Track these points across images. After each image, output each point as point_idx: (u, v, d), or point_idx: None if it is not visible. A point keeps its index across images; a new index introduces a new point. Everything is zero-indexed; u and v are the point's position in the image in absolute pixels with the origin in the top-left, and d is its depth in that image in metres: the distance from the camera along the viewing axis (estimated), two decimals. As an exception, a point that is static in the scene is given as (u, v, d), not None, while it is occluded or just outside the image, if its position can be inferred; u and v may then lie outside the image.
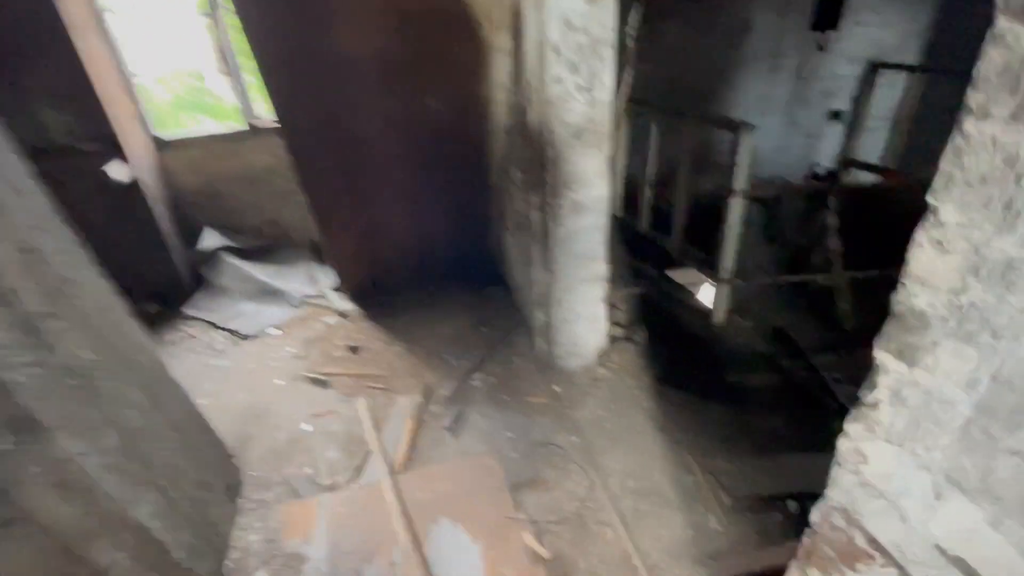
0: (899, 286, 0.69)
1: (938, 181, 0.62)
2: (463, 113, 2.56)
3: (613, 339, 3.01)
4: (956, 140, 0.59)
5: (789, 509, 2.04)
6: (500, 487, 2.17)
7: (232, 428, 2.62)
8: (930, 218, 0.66)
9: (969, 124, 0.57)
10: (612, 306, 3.33)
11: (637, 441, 2.38)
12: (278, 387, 2.89)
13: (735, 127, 2.57)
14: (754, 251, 3.27)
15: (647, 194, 3.63)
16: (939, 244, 0.63)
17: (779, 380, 2.73)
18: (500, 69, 2.45)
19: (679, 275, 3.83)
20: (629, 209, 3.95)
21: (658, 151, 3.47)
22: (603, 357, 2.86)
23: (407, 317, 3.40)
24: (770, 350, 2.94)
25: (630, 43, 2.16)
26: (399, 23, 2.16)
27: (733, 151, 2.64)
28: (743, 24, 4.06)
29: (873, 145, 4.73)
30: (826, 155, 4.82)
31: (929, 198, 0.65)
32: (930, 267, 0.64)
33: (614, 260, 3.77)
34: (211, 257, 3.77)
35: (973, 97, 0.56)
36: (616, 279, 3.62)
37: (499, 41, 2.34)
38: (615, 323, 3.18)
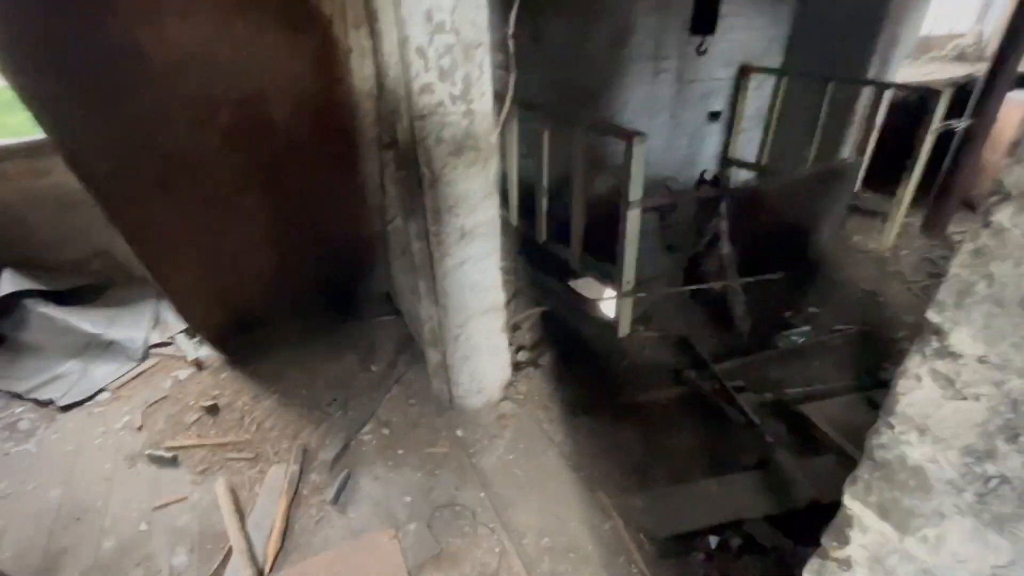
0: (880, 424, 0.49)
1: (945, 291, 0.42)
2: (321, 125, 2.14)
3: (518, 365, 2.78)
4: (978, 237, 0.38)
5: (709, 544, 1.94)
6: (397, 573, 1.83)
7: (37, 541, 2.01)
8: (930, 341, 0.45)
9: (1002, 214, 0.37)
10: (515, 327, 3.10)
11: (550, 487, 2.16)
12: (107, 474, 2.28)
13: (628, 136, 2.42)
14: (653, 259, 3.21)
15: (543, 203, 3.44)
16: (948, 382, 0.43)
17: (687, 393, 2.66)
18: (362, 75, 2.07)
19: (582, 285, 3.71)
20: (527, 218, 3.75)
21: (551, 157, 3.29)
22: (508, 389, 2.62)
23: (280, 360, 2.90)
24: (676, 362, 2.88)
25: (511, 44, 1.91)
26: (218, 14, 1.70)
27: (627, 160, 2.50)
28: (625, 25, 4.01)
29: (749, 144, 4.97)
30: (708, 155, 4.99)
31: (931, 313, 0.45)
32: (932, 411, 0.45)
33: (515, 273, 3.55)
34: (11, 307, 2.96)
35: (1010, 174, 0.36)
36: (518, 296, 3.40)
37: (356, 41, 1.96)
38: (519, 347, 2.96)
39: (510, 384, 2.63)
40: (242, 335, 3.05)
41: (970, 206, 4.27)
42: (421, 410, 2.56)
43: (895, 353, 2.93)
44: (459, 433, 2.40)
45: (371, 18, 1.72)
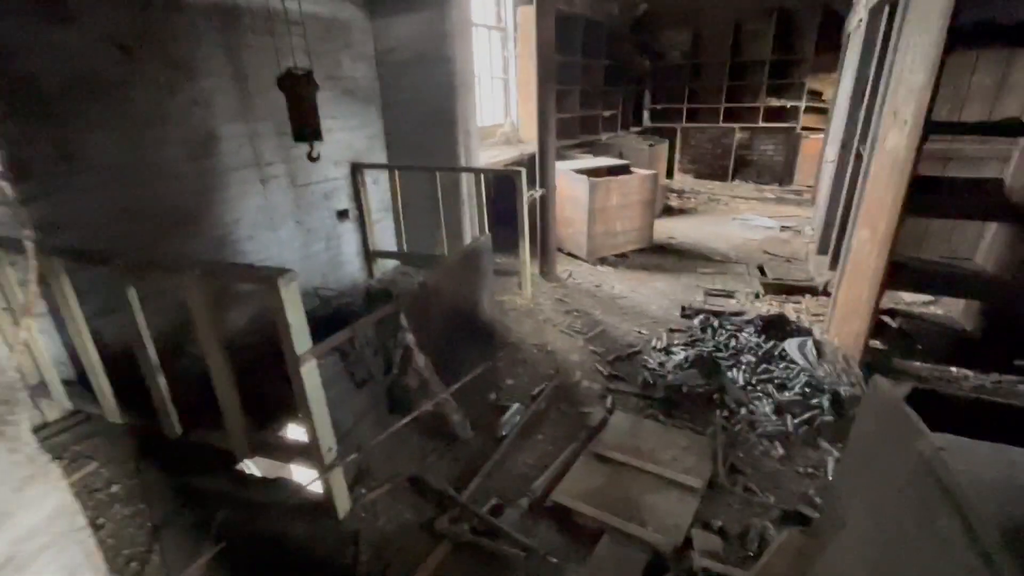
0: None
1: None
2: None
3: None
4: None
5: None
6: None
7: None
8: None
9: None
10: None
11: None
12: None
13: (270, 280, 1.79)
14: (347, 404, 2.61)
15: (161, 384, 2.35)
16: None
17: (451, 548, 2.18)
18: None
19: (257, 467, 2.74)
20: (131, 407, 2.50)
21: (146, 319, 2.27)
22: None
23: None
24: (419, 512, 2.37)
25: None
26: None
27: (279, 309, 1.86)
28: (206, 134, 3.29)
29: (386, 233, 4.96)
30: (351, 252, 4.72)
31: None
32: None
33: (146, 503, 2.29)
34: None
35: None
36: (162, 532, 2.17)
37: None
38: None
39: None
40: None
41: (561, 250, 5.44)
42: None
43: (583, 394, 3.26)
44: None
45: None
